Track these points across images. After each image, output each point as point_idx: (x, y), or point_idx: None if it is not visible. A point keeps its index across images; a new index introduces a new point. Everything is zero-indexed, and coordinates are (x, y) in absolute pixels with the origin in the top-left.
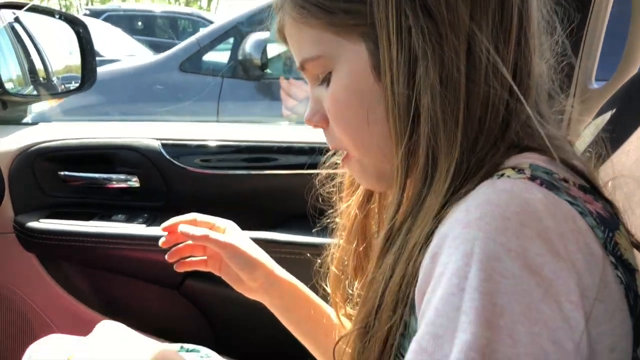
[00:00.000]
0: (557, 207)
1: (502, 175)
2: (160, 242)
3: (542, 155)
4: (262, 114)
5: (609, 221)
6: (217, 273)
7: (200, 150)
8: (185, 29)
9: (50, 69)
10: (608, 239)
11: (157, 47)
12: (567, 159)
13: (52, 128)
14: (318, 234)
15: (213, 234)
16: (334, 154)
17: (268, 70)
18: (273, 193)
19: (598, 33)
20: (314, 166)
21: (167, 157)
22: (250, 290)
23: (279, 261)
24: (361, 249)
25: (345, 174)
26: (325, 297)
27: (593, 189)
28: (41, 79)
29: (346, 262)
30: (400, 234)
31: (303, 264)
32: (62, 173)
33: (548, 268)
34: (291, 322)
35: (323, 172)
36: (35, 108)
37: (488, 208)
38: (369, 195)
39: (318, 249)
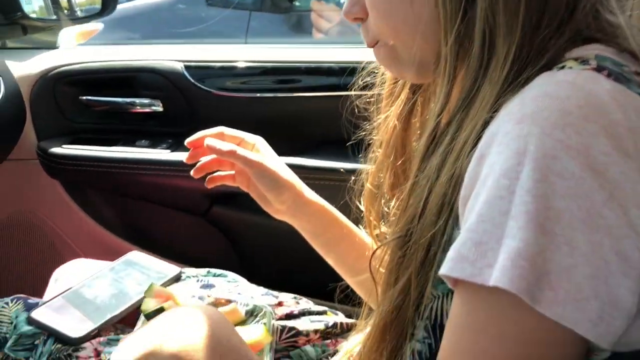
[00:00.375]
0: (627, 100)
1: (563, 67)
2: (184, 158)
3: (609, 46)
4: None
5: None
6: (245, 189)
7: (225, 72)
8: None
9: (73, 0)
10: None
11: None
12: (637, 51)
13: (72, 52)
14: (350, 160)
15: (241, 150)
16: (367, 74)
17: (297, 3)
18: (302, 117)
19: None
20: (345, 87)
21: (191, 79)
22: (277, 212)
23: (310, 188)
24: (399, 163)
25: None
26: (357, 220)
27: None
28: (65, 10)
29: (382, 179)
30: (449, 130)
31: (333, 190)
32: (83, 98)
33: (614, 168)
34: (321, 246)
35: (354, 93)
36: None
37: (546, 101)
38: (410, 106)
39: (349, 175)
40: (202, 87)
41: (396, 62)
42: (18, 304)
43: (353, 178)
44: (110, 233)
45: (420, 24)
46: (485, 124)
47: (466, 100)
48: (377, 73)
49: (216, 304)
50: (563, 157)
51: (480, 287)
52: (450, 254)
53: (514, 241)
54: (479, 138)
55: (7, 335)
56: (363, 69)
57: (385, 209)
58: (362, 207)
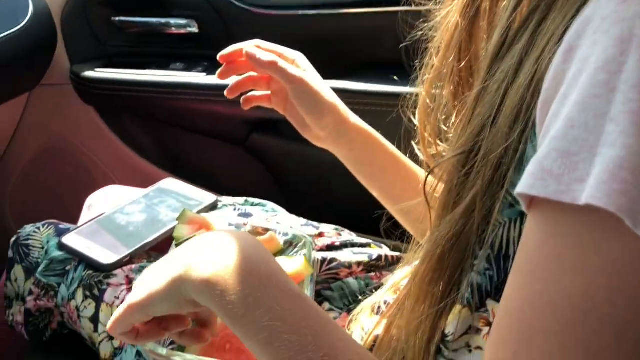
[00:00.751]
0: None
1: None
2: (217, 74)
3: None
4: None
5: None
6: (281, 112)
7: None
8: None
9: None
10: None
11: None
12: None
13: None
14: (400, 84)
15: (282, 62)
16: None
17: None
18: (348, 36)
19: None
20: (395, 2)
21: None
22: (318, 138)
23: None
24: (463, 64)
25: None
26: (406, 150)
27: None
28: None
29: (440, 88)
30: (530, 22)
31: (381, 116)
32: (116, 19)
33: None
34: (365, 175)
35: (404, 9)
36: None
37: None
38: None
39: (398, 99)
40: (240, 4)
41: None
42: (49, 229)
43: (404, 99)
44: (146, 160)
45: None
46: (579, 9)
47: None
48: None
49: (253, 232)
50: None
51: (567, 206)
52: (530, 168)
53: (614, 149)
54: (567, 29)
55: (39, 260)
56: None
57: (444, 127)
58: (415, 122)
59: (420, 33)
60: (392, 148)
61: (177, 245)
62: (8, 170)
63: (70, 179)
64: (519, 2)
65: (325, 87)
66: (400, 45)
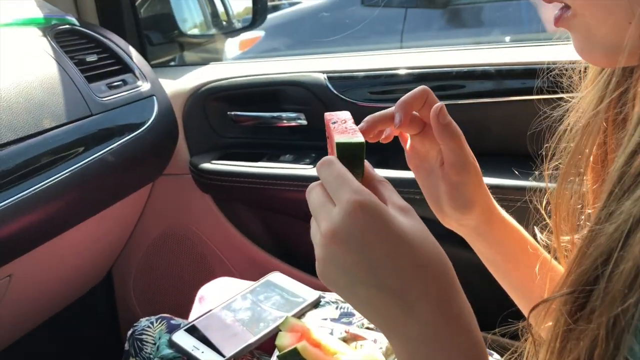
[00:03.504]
0: None
1: None
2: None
3: None
4: (450, 43)
5: None
6: (419, 179)
7: (368, 82)
8: None
9: (230, 12)
10: None
11: None
12: None
13: (221, 67)
14: (531, 177)
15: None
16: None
17: None
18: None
19: None
20: (522, 91)
21: (334, 91)
22: (449, 224)
23: None
24: (599, 153)
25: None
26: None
27: None
28: (223, 22)
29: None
30: None
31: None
32: (232, 113)
33: None
34: (502, 274)
35: (538, 97)
36: (229, 54)
37: None
38: (618, 94)
39: (515, 192)
40: (346, 97)
41: (590, 41)
42: (162, 324)
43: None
44: (257, 247)
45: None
46: None
47: None
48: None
49: (350, 339)
50: None
51: None
52: None
53: None
54: None
55: (151, 356)
56: (549, 70)
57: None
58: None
59: (551, 119)
60: (536, 244)
61: (279, 357)
62: (132, 255)
63: (188, 265)
64: None
65: (481, 181)
66: (529, 133)
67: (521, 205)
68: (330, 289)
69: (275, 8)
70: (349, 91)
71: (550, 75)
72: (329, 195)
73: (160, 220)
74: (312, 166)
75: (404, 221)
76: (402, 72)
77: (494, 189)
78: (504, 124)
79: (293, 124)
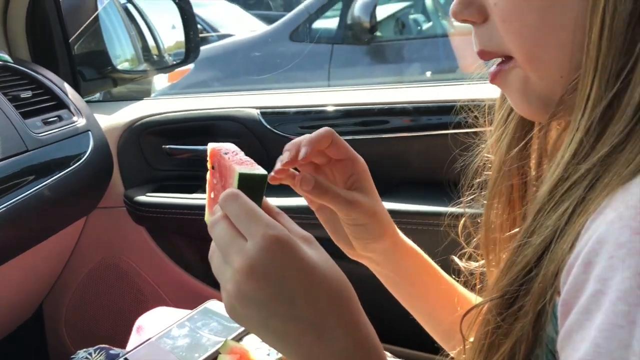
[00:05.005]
0: None
1: None
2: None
3: None
4: (373, 78)
5: None
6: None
7: (300, 117)
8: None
9: (162, 47)
10: None
11: (272, 20)
12: None
13: (156, 102)
14: (437, 203)
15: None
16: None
17: (378, 33)
18: (380, 159)
19: None
20: (428, 127)
21: (267, 125)
22: (353, 254)
23: None
24: (514, 186)
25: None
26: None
27: None
28: (154, 56)
29: (494, 201)
30: (579, 186)
31: (416, 234)
32: (166, 147)
33: None
34: (404, 296)
35: (454, 131)
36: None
37: None
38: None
39: (433, 218)
40: (278, 132)
41: (526, 93)
42: (100, 355)
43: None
44: (192, 277)
45: (560, 50)
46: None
47: (608, 157)
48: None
49: None
50: None
51: None
52: None
53: None
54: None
55: None
56: (462, 107)
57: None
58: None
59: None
60: (436, 268)
61: None
62: (64, 288)
63: (124, 298)
64: (578, 152)
65: (383, 208)
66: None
67: (439, 230)
68: (241, 324)
69: (204, 40)
70: (281, 126)
71: (464, 112)
72: (238, 230)
73: (94, 253)
74: None
75: (312, 252)
76: (330, 108)
77: (414, 215)
78: (423, 156)
79: None
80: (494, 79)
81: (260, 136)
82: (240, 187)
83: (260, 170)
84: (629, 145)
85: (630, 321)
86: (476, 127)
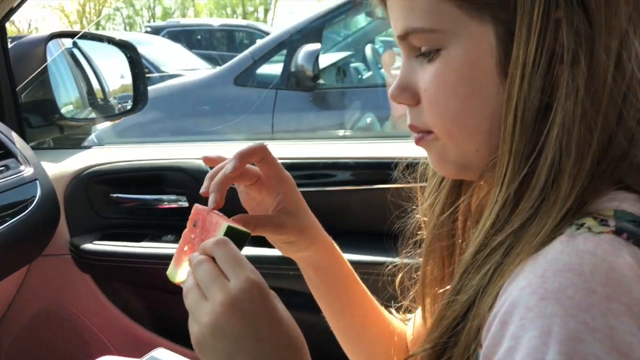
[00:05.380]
0: None
1: (582, 226)
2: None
3: (631, 193)
4: (316, 124)
5: None
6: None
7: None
8: (242, 40)
9: (107, 90)
10: None
11: (215, 60)
12: None
13: (104, 151)
14: (382, 254)
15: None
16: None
17: (321, 81)
18: (324, 211)
19: None
20: (368, 182)
21: None
22: (287, 250)
23: None
24: (445, 245)
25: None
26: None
27: None
28: (99, 100)
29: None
30: (497, 252)
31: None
32: (114, 195)
33: (639, 347)
34: (329, 309)
35: (393, 186)
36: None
37: (568, 277)
38: (455, 198)
39: (373, 267)
40: None
41: (446, 160)
42: None
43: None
44: (140, 326)
45: (478, 132)
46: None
47: (520, 229)
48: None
49: None
50: (588, 340)
51: None
52: None
53: None
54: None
55: None
56: (396, 164)
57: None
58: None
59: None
60: (365, 289)
61: None
62: (4, 334)
63: (68, 346)
64: (496, 225)
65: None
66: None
67: (378, 279)
68: (203, 356)
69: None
70: None
71: (402, 169)
72: (222, 271)
73: (37, 300)
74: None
75: (280, 305)
76: (281, 161)
77: (355, 264)
78: (365, 208)
79: (174, 205)
80: (418, 143)
81: None
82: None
83: (245, 228)
84: (536, 220)
85: None
86: (413, 182)
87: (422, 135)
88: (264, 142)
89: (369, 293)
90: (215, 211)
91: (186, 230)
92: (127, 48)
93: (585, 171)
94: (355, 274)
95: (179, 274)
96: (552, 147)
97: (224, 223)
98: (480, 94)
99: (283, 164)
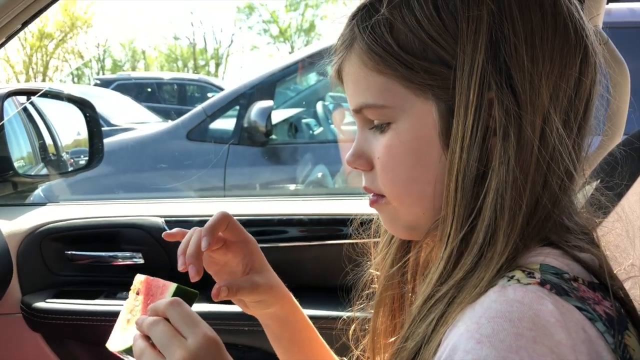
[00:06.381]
0: (568, 317)
1: (512, 278)
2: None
3: (555, 248)
4: (268, 178)
5: (618, 321)
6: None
7: (202, 225)
8: (194, 93)
9: (60, 146)
10: (618, 342)
11: (166, 114)
12: (579, 252)
13: (58, 208)
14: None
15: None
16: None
17: (273, 136)
18: (280, 266)
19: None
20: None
21: None
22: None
23: None
24: (396, 306)
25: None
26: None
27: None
28: (51, 155)
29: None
30: (441, 302)
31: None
32: (68, 252)
33: None
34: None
35: (349, 241)
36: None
37: (500, 323)
38: (404, 254)
39: (327, 322)
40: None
41: (396, 222)
42: None
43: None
44: None
45: (423, 197)
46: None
47: (461, 281)
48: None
49: None
50: None
51: None
52: None
53: None
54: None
55: None
56: (351, 221)
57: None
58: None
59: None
60: (325, 345)
61: None
62: None
63: None
64: (442, 278)
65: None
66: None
67: (332, 333)
68: None
69: None
70: None
71: (356, 225)
72: (178, 330)
73: None
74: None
75: (230, 357)
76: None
77: (310, 318)
78: (319, 264)
79: (129, 262)
80: (372, 205)
81: (165, 244)
82: None
83: (193, 289)
84: (476, 273)
85: None
86: (367, 238)
87: (377, 198)
88: (225, 212)
89: (326, 344)
90: (157, 278)
91: (128, 299)
92: (84, 105)
93: (517, 230)
94: (316, 331)
95: (121, 342)
96: (489, 210)
97: (173, 284)
98: (425, 162)
99: (239, 220)
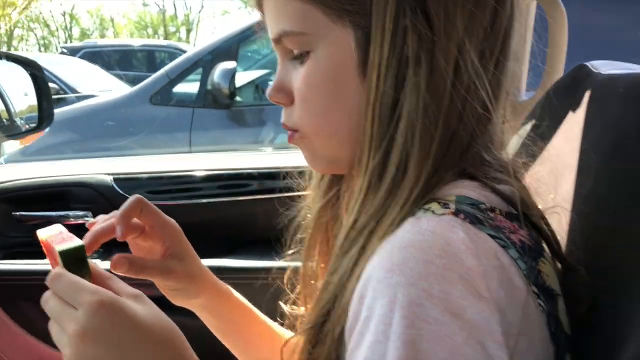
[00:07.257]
0: (479, 245)
1: (428, 209)
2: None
3: (475, 181)
4: (234, 141)
5: (533, 249)
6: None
7: (151, 182)
8: (164, 60)
9: (13, 110)
10: (531, 268)
11: (135, 81)
12: (497, 184)
13: (4, 169)
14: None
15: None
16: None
17: (237, 98)
18: (226, 221)
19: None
20: (265, 191)
21: (120, 191)
22: (174, 296)
23: (234, 288)
24: (326, 242)
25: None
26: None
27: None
28: (4, 120)
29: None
30: (361, 235)
31: (258, 289)
32: (17, 213)
33: (470, 310)
34: (235, 346)
35: (280, 195)
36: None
37: (411, 252)
38: (335, 191)
39: (264, 272)
40: (128, 195)
41: (315, 157)
42: None
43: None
44: (47, 346)
45: (341, 128)
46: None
47: (378, 212)
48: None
49: None
50: (427, 304)
51: None
52: None
53: None
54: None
55: None
56: (286, 174)
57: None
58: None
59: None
60: (265, 319)
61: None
62: None
63: None
64: (361, 210)
65: (200, 267)
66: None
67: (268, 282)
68: None
69: (61, 101)
70: (135, 191)
71: (289, 178)
72: (67, 302)
73: None
74: (99, 260)
75: (138, 307)
76: (176, 174)
77: (244, 271)
78: (264, 217)
79: (80, 221)
80: (290, 141)
81: (114, 202)
82: (65, 263)
83: (77, 242)
84: (392, 205)
85: (386, 337)
86: (299, 191)
87: (292, 133)
88: (138, 196)
89: (271, 323)
90: (55, 232)
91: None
92: (28, 65)
93: (430, 160)
94: (255, 311)
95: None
96: (401, 137)
97: (56, 249)
98: (342, 92)
99: (173, 177)
